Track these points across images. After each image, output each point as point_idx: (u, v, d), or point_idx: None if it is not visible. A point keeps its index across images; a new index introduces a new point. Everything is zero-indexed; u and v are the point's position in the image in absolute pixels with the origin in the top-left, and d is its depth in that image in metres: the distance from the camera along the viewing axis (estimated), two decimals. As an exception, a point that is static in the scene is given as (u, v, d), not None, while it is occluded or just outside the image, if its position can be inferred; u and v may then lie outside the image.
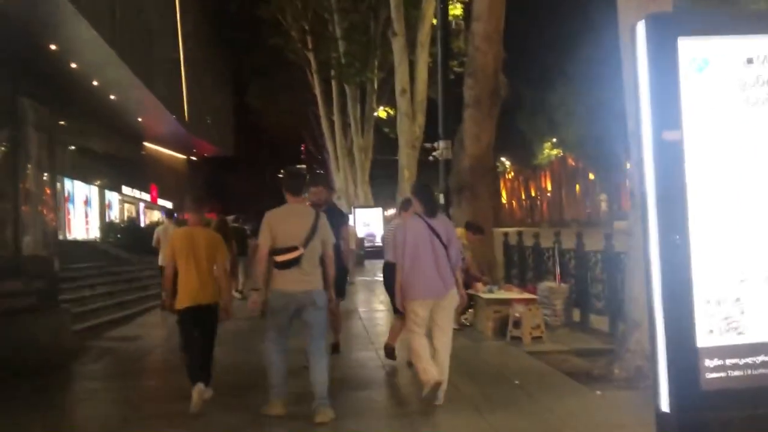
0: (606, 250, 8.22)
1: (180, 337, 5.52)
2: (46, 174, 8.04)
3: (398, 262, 5.13)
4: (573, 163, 72.40)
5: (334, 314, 6.63)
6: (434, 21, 16.75)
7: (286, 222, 4.95)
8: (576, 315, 8.89)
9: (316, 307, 4.90)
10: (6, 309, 6.82)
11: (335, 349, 6.87)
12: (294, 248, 4.82)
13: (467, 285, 8.67)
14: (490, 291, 8.42)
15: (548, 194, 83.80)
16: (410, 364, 5.44)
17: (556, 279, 9.04)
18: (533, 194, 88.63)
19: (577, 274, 8.92)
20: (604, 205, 63.54)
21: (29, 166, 7.54)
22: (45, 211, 7.90)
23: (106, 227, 25.87)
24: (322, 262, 5.02)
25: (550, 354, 7.06)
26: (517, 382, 5.84)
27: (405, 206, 6.41)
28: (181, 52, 39.72)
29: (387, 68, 23.27)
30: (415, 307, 5.09)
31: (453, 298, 5.18)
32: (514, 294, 8.31)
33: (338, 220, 6.69)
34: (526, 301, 7.89)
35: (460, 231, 8.83)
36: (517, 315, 7.75)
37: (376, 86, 25.43)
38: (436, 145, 12.70)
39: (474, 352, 7.38)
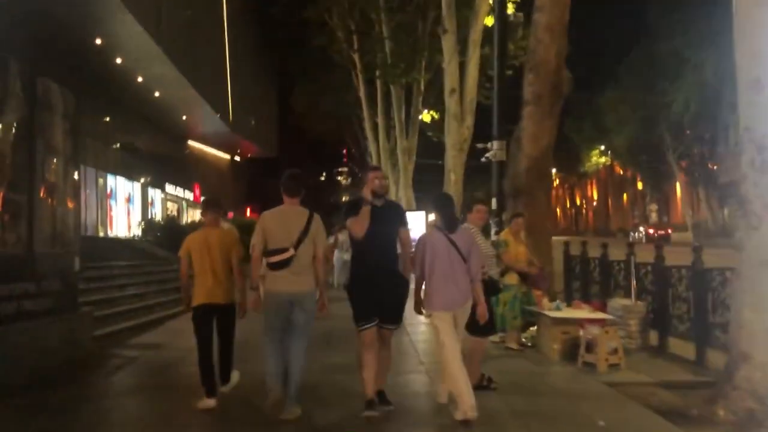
0: (694, 265, 7.09)
1: (194, 335, 5.43)
2: (68, 164, 7.25)
3: (415, 275, 5.24)
4: (621, 172, 70.18)
5: (383, 348, 5.12)
6: (487, 19, 15.89)
7: (278, 223, 4.96)
8: (653, 337, 7.79)
9: (303, 309, 4.93)
10: (14, 313, 6.07)
11: (383, 399, 5.04)
12: (285, 249, 4.84)
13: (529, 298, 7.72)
14: (558, 308, 7.38)
15: (594, 203, 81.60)
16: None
17: (630, 295, 7.95)
18: (578, 203, 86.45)
19: (656, 291, 7.80)
20: (654, 216, 61.17)
21: (48, 154, 6.78)
22: (66, 205, 7.16)
23: (147, 225, 25.58)
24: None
25: (632, 385, 6.00)
26: (602, 422, 4.85)
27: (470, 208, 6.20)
28: (226, 50, 39.55)
29: (433, 69, 22.60)
30: (440, 317, 5.11)
31: (469, 306, 5.23)
32: (586, 313, 7.23)
33: (401, 216, 5.40)
34: (601, 322, 6.84)
35: (505, 233, 7.95)
36: (590, 337, 6.72)
37: (422, 87, 24.71)
38: (489, 145, 11.79)
39: (541, 379, 6.40)
